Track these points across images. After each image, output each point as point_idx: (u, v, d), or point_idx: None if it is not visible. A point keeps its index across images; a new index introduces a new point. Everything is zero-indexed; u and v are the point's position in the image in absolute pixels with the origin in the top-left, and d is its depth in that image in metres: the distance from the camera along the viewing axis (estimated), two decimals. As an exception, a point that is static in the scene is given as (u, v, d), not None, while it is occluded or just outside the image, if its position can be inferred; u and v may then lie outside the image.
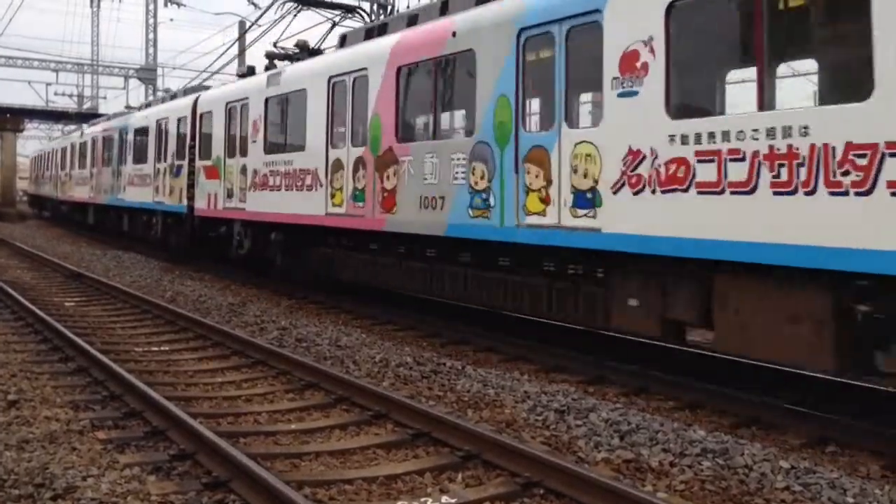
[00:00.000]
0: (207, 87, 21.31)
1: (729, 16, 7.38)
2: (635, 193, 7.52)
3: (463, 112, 10.78)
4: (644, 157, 7.43)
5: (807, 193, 6.14)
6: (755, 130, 6.46)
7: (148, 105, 25.90)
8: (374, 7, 21.42)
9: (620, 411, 6.99)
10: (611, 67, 7.77)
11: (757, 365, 9.21)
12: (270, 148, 14.91)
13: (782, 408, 7.41)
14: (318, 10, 17.76)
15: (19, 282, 16.12)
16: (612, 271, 8.20)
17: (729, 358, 9.58)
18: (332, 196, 12.63)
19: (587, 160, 8.07)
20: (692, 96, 7.94)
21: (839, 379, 8.77)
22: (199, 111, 18.41)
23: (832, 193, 5.97)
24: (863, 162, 5.77)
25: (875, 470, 5.98)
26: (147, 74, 44.52)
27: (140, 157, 22.86)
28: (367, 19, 21.16)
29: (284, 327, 11.28)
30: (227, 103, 16.85)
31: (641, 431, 6.41)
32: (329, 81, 12.83)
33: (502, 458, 5.69)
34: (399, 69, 11.10)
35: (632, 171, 7.55)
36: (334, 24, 14.67)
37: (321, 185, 12.90)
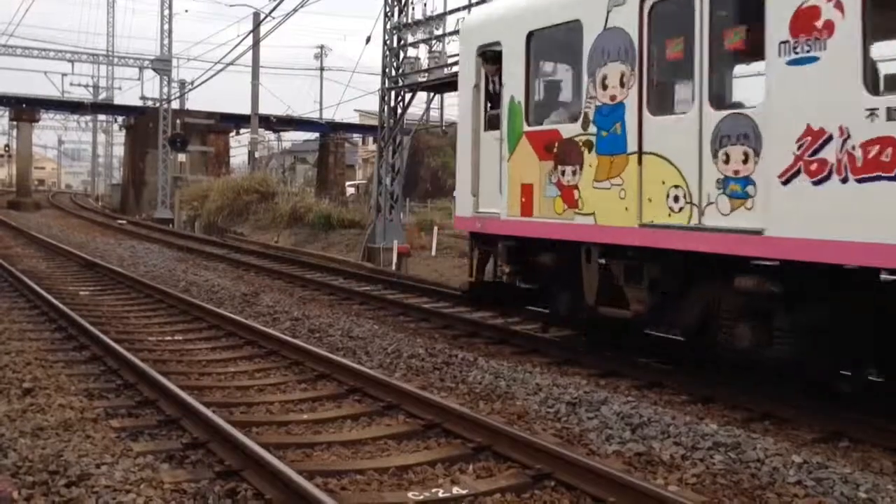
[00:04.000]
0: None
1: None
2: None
3: None
4: None
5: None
6: None
7: None
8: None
9: (632, 404, 6.97)
10: None
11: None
12: None
13: (795, 403, 7.38)
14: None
15: (35, 271, 16.24)
16: None
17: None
18: None
19: None
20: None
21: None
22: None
23: None
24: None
25: (888, 465, 5.95)
26: (162, 65, 44.55)
27: None
28: None
29: (297, 318, 11.31)
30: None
31: (653, 424, 6.40)
32: None
33: (513, 450, 5.69)
34: None
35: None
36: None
37: None
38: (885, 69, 6.92)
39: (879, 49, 6.83)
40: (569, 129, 8.80)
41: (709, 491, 5.26)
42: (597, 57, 8.38)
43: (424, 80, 20.48)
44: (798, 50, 6.56)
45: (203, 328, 10.70)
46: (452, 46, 20.03)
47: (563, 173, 8.82)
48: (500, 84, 9.95)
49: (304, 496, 4.70)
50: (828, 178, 6.33)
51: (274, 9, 29.44)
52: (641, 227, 7.89)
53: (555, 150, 8.95)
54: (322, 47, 71.57)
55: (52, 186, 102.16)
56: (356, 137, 66.78)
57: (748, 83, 8.12)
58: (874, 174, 6.04)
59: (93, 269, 16.82)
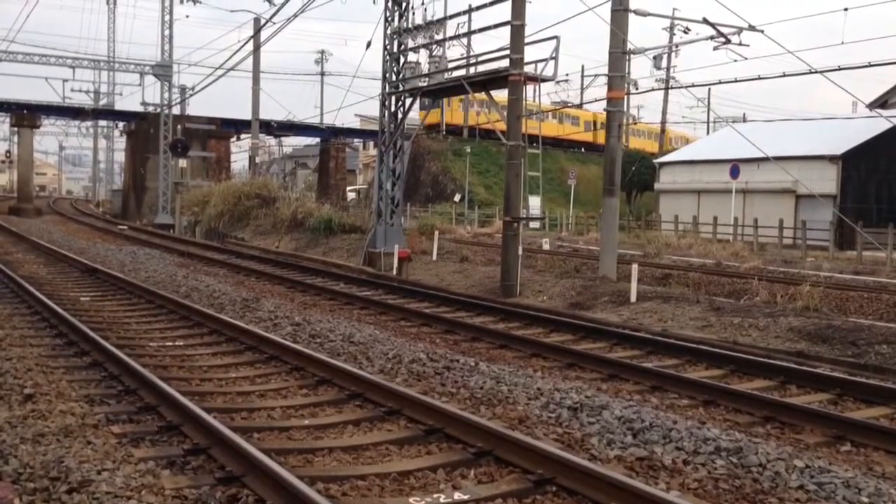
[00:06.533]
0: None
1: None
2: None
3: None
4: None
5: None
6: None
7: None
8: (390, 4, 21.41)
9: (634, 409, 6.96)
10: None
11: (769, 364, 9.17)
12: None
13: (797, 407, 7.37)
14: None
15: (36, 277, 16.24)
16: None
17: (742, 356, 9.55)
18: None
19: None
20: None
21: (855, 378, 8.72)
22: None
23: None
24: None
25: (891, 470, 5.94)
26: (163, 71, 44.63)
27: None
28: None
29: (298, 323, 11.31)
30: None
31: (655, 429, 6.39)
32: None
33: (515, 455, 5.68)
34: None
35: None
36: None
37: None
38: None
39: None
40: None
41: (711, 496, 5.25)
42: None
43: (425, 84, 20.50)
44: None
45: (204, 334, 10.70)
46: (453, 51, 20.08)
47: None
48: None
49: (305, 502, 4.69)
50: None
51: (274, 14, 29.48)
52: None
53: None
54: (322, 52, 71.87)
55: (53, 192, 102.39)
56: (357, 142, 66.92)
57: None
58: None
59: (94, 274, 16.81)
